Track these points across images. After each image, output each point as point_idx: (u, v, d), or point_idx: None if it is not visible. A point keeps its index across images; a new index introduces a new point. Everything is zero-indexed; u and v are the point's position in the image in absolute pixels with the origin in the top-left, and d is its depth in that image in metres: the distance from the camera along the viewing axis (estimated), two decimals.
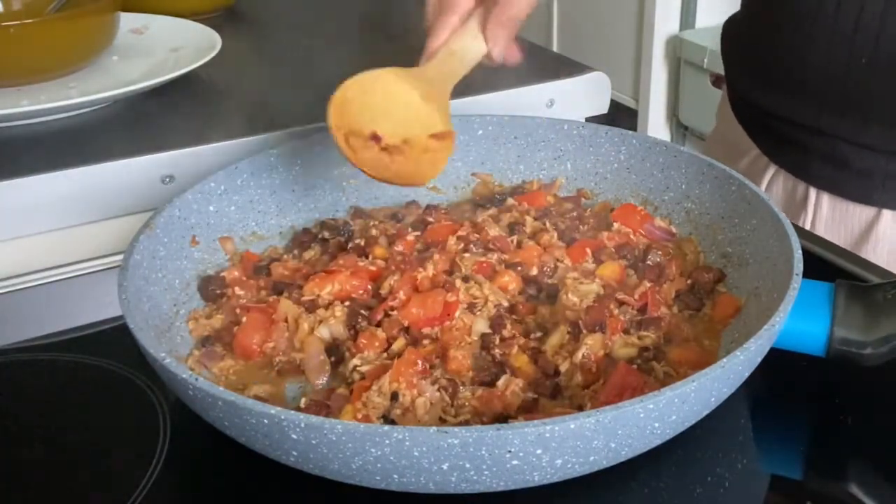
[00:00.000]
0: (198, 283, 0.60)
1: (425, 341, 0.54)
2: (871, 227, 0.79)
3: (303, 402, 0.50)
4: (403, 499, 0.43)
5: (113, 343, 0.60)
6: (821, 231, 0.80)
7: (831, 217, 0.81)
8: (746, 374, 0.47)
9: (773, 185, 0.84)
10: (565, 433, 0.39)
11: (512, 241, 0.63)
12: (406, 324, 0.55)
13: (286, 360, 0.54)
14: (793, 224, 0.55)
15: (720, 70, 0.94)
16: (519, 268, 0.60)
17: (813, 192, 0.81)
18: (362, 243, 0.63)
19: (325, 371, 0.53)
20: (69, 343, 0.61)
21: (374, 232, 0.65)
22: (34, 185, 0.64)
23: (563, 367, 0.52)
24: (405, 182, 0.59)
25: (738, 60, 0.89)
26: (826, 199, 0.81)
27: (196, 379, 0.43)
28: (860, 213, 0.79)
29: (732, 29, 0.91)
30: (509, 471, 0.40)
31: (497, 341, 0.53)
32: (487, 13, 0.61)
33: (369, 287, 0.59)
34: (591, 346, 0.52)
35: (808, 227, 0.81)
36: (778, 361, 0.50)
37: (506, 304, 0.57)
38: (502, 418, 0.48)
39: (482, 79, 0.82)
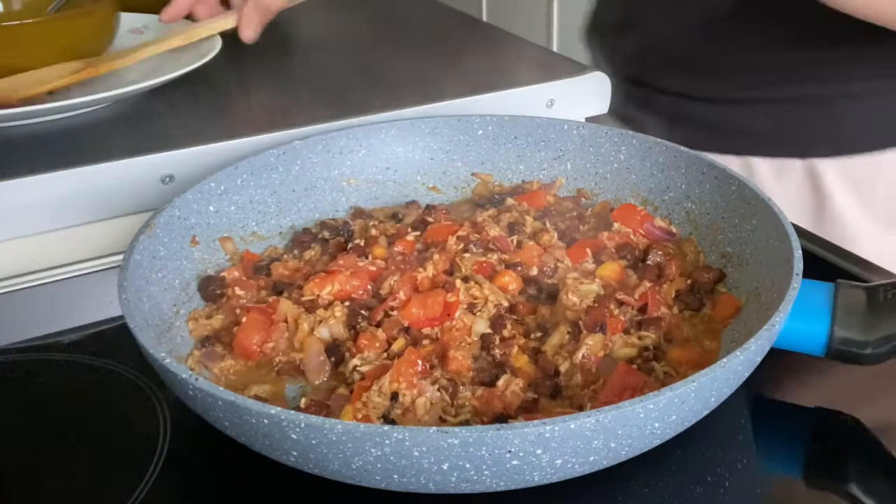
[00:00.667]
0: (198, 283, 0.60)
1: (425, 341, 0.54)
2: None
3: (303, 402, 0.50)
4: (403, 499, 0.43)
5: (113, 343, 0.60)
6: None
7: None
8: (746, 374, 0.47)
9: None
10: (565, 433, 0.39)
11: (512, 241, 0.63)
12: (406, 324, 0.55)
13: (286, 361, 0.54)
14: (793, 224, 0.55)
15: None
16: (519, 268, 0.60)
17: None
18: (362, 243, 0.63)
19: (325, 371, 0.53)
20: (69, 343, 0.61)
21: (373, 232, 0.65)
22: (34, 185, 0.64)
23: (563, 368, 0.52)
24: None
25: (595, 39, 1.03)
26: None
27: (196, 379, 0.43)
28: None
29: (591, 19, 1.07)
30: (509, 471, 0.40)
31: (497, 341, 0.53)
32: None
33: (369, 287, 0.59)
34: (591, 346, 0.52)
35: None
36: (778, 361, 0.50)
37: (506, 304, 0.57)
38: (502, 418, 0.48)
39: (482, 79, 0.82)
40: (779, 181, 0.88)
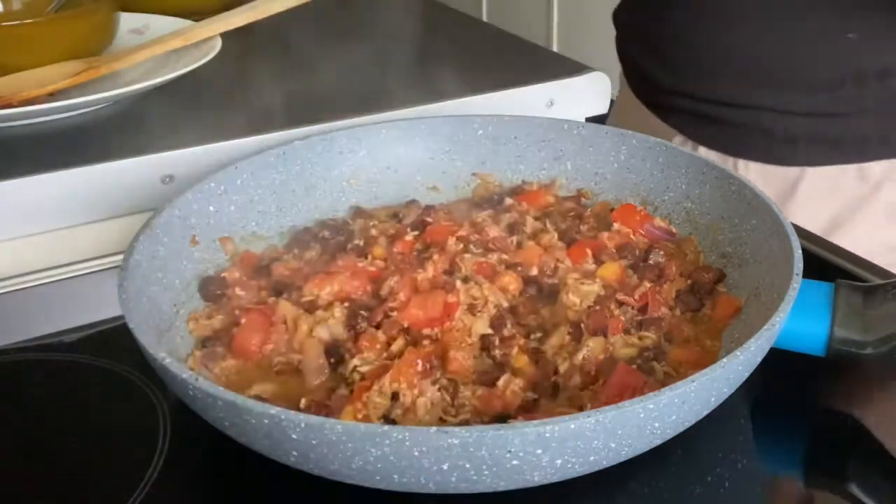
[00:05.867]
0: (198, 284, 0.60)
1: (425, 342, 0.54)
2: (796, 185, 0.86)
3: (303, 402, 0.50)
4: (403, 499, 0.43)
5: (113, 343, 0.60)
6: None
7: (757, 181, 0.85)
8: (746, 374, 0.47)
9: None
10: (565, 433, 0.39)
11: (512, 242, 0.63)
12: (406, 325, 0.55)
13: (285, 362, 0.54)
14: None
15: None
16: (519, 268, 0.60)
17: (741, 161, 0.89)
18: (361, 243, 0.63)
19: (323, 374, 0.53)
20: (69, 343, 0.61)
21: (373, 232, 0.64)
22: (34, 185, 0.64)
23: (563, 368, 0.52)
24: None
25: (636, 48, 0.97)
26: (753, 165, 0.88)
27: (196, 379, 0.43)
28: (785, 174, 0.87)
29: (622, 16, 1.00)
30: (509, 471, 0.40)
31: (497, 342, 0.53)
32: None
33: (369, 288, 0.59)
34: (591, 348, 0.52)
35: None
36: (778, 361, 0.50)
37: (506, 304, 0.57)
38: (502, 418, 0.48)
39: (482, 79, 0.82)
40: (833, 188, 0.87)
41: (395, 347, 0.53)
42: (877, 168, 0.86)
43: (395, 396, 0.49)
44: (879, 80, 0.82)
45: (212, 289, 0.59)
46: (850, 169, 0.87)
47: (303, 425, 0.40)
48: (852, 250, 0.67)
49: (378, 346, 0.53)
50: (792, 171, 0.87)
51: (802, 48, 0.83)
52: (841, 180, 0.87)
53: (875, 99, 0.83)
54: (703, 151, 0.92)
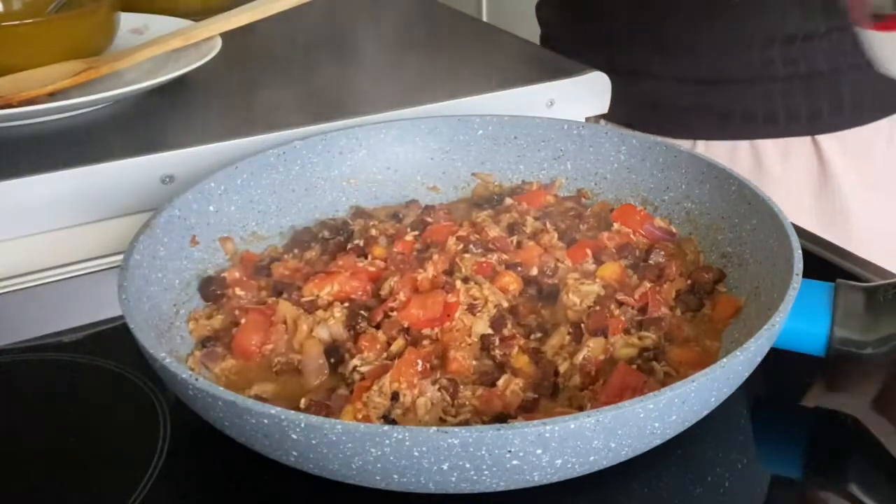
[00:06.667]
0: (198, 284, 0.60)
1: (425, 342, 0.54)
2: None
3: (303, 402, 0.50)
4: (403, 499, 0.43)
5: (113, 343, 0.60)
6: None
7: None
8: (746, 374, 0.47)
9: None
10: (565, 433, 0.39)
11: (512, 242, 0.63)
12: (406, 325, 0.55)
13: (285, 362, 0.54)
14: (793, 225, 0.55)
15: None
16: (519, 268, 0.60)
17: (638, 134, 0.90)
18: (361, 243, 0.63)
19: (323, 374, 0.53)
20: (69, 343, 0.61)
21: (373, 232, 0.64)
22: (34, 185, 0.64)
23: (563, 368, 0.52)
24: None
25: (552, 25, 1.02)
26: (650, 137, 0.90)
27: (196, 379, 0.43)
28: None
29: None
30: (509, 471, 0.40)
31: (497, 342, 0.53)
32: None
33: (369, 288, 0.59)
34: (592, 349, 0.52)
35: None
36: (778, 361, 0.50)
37: (506, 304, 0.57)
38: (502, 418, 0.48)
39: (482, 79, 0.82)
40: (786, 161, 0.88)
41: (394, 347, 0.53)
42: (770, 148, 0.87)
43: (395, 396, 0.49)
44: (765, 48, 0.84)
45: (212, 289, 0.59)
46: (744, 145, 0.88)
47: (303, 425, 0.40)
48: None
49: (378, 346, 0.53)
50: (684, 145, 0.88)
51: (689, 11, 0.85)
52: (736, 158, 0.88)
53: (760, 68, 0.84)
54: (603, 123, 0.93)
